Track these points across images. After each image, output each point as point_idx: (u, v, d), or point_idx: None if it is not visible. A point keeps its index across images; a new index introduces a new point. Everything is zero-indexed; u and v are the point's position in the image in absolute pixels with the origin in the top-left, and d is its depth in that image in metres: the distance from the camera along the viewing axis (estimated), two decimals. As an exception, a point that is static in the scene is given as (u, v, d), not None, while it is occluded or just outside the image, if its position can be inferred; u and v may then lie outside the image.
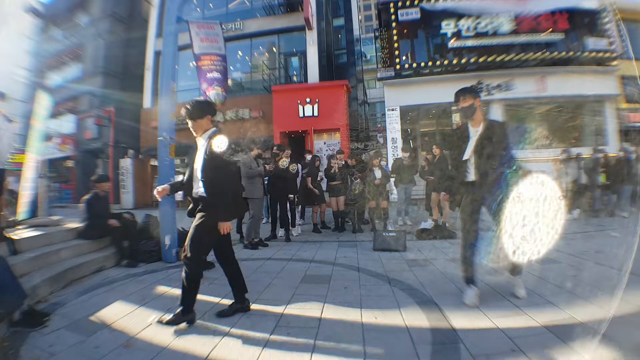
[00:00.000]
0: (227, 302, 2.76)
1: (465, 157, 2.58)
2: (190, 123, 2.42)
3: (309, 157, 6.53)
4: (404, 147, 6.90)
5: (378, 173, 5.81)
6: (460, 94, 2.60)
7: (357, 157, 6.90)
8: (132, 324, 2.34)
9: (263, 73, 12.48)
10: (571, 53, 9.96)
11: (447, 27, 10.37)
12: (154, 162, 12.54)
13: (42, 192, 5.49)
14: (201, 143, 2.43)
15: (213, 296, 2.88)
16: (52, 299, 2.86)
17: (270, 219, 5.82)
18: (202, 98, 4.09)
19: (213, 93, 5.16)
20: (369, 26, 30.74)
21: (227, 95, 5.59)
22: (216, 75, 5.22)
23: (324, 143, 11.15)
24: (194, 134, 2.46)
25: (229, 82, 12.87)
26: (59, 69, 16.02)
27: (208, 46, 5.17)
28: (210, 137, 2.37)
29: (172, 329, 2.24)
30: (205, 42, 5.15)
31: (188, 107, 2.42)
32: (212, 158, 2.29)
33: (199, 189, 2.38)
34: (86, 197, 4.28)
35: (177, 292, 3.02)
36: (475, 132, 2.58)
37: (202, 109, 2.44)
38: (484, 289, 2.82)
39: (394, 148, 10.61)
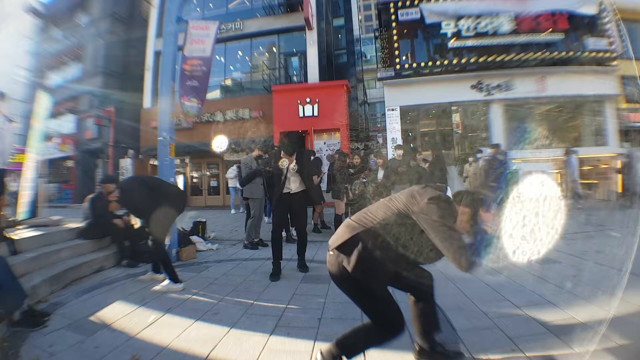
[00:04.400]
0: (228, 302, 2.77)
1: None
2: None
3: (311, 157, 6.51)
4: (397, 145, 6.83)
5: (381, 173, 5.80)
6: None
7: (359, 155, 6.81)
8: (132, 324, 2.34)
9: (263, 73, 12.46)
10: (571, 53, 9.94)
11: (447, 27, 10.37)
12: (154, 162, 12.54)
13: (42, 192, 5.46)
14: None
15: (213, 295, 2.89)
16: (52, 299, 2.86)
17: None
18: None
19: (188, 105, 4.67)
20: (369, 26, 30.72)
21: (204, 106, 4.93)
22: (194, 83, 4.71)
23: (324, 143, 11.13)
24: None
25: (229, 81, 12.99)
26: (59, 69, 16.00)
27: (193, 49, 4.74)
28: None
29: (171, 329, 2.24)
30: (193, 44, 4.76)
31: None
32: None
33: None
34: (91, 195, 4.34)
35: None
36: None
37: None
38: (484, 289, 2.82)
39: (394, 148, 10.60)
